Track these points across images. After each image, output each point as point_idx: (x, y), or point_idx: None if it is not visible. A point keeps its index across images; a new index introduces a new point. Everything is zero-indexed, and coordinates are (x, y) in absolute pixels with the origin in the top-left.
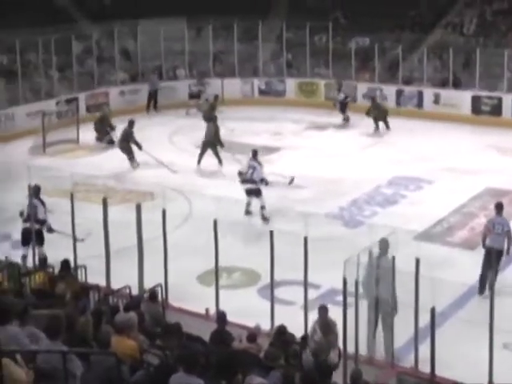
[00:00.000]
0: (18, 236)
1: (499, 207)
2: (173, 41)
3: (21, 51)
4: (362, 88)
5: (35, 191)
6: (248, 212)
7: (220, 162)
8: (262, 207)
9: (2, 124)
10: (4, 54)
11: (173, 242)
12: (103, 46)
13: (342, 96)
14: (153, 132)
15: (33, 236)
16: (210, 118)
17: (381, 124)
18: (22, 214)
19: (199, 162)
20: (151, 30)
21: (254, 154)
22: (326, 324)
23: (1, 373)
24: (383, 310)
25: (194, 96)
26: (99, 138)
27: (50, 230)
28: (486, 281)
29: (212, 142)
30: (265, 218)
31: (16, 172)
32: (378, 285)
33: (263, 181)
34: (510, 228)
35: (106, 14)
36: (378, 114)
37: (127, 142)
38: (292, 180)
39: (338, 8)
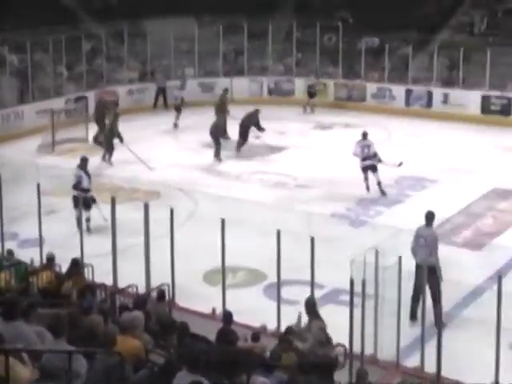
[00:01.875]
0: (25, 235)
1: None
2: (181, 40)
3: (31, 51)
4: (372, 88)
5: (82, 163)
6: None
7: (216, 156)
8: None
9: (11, 122)
10: (15, 54)
11: (178, 241)
12: (111, 45)
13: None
14: (157, 130)
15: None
16: (220, 110)
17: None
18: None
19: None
20: (160, 30)
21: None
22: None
23: (7, 372)
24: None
25: (313, 94)
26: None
27: (94, 201)
28: None
29: (214, 134)
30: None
31: (24, 171)
32: (422, 252)
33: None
34: None
35: (113, 13)
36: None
37: (112, 134)
38: (401, 163)
39: (344, 7)
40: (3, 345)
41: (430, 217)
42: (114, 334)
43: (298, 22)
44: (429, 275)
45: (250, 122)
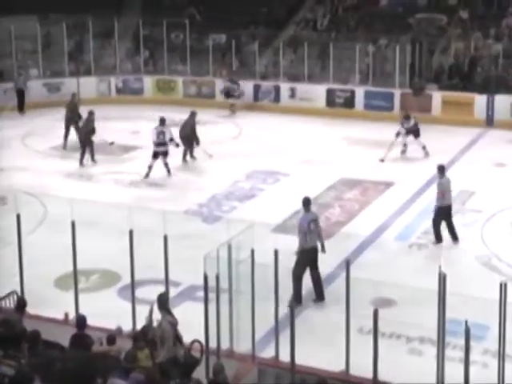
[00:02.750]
0: None
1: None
2: (24, 39)
3: None
4: (220, 84)
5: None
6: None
7: (81, 162)
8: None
9: None
10: None
11: (28, 248)
12: None
13: None
14: (4, 134)
15: None
16: (71, 118)
17: None
18: None
19: (81, 162)
20: (0, 29)
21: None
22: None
23: None
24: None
25: (230, 96)
26: None
27: None
28: None
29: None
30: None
31: None
32: (314, 235)
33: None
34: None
35: None
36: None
37: None
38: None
39: (192, 5)
40: None
41: (307, 202)
42: None
43: (145, 19)
44: (315, 255)
45: (189, 129)
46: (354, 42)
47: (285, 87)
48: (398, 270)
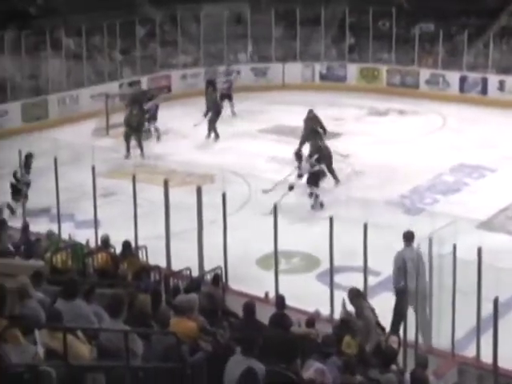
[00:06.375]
0: (81, 216)
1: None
2: (235, 24)
3: (86, 35)
4: (425, 74)
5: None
6: None
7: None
8: None
9: (66, 106)
10: (71, 38)
11: (232, 226)
12: (166, 29)
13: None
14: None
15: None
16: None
17: None
18: (15, 173)
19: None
20: (214, 14)
21: None
22: (356, 307)
23: (65, 348)
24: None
25: None
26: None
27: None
28: None
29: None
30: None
31: (80, 153)
32: (407, 276)
33: None
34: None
35: None
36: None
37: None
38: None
39: None
40: (62, 323)
41: (407, 236)
42: (167, 316)
43: (352, 7)
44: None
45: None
46: None
47: (493, 79)
48: None
